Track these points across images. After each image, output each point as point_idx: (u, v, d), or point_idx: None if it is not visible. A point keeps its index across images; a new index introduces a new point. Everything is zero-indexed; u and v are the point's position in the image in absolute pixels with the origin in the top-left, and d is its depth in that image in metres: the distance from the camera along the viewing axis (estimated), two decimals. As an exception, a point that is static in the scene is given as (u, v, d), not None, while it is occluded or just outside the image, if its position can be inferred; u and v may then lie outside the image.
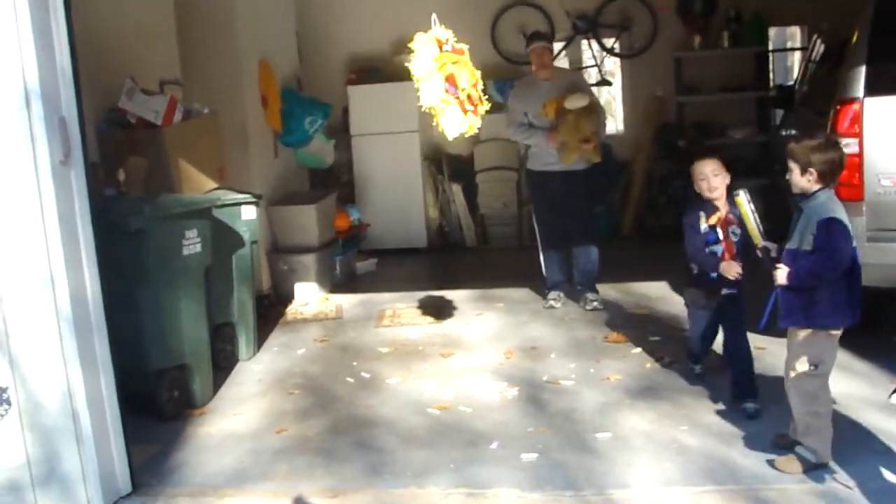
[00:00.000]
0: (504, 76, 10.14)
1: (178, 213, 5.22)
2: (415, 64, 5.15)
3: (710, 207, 4.78)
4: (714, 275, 4.81)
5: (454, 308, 7.36)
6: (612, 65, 11.02)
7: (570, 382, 5.46)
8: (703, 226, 4.79)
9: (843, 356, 5.37)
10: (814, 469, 4.04)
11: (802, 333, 4.03)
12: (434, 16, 5.20)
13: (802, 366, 4.01)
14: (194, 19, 7.31)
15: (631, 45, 10.39)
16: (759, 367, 4.94)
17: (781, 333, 4.18)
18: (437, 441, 4.73)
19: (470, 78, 5.32)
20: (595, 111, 6.94)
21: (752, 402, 4.74)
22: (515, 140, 7.55)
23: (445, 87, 5.07)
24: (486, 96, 5.31)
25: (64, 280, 3.79)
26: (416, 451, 4.61)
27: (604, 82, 10.59)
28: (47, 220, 3.78)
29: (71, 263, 3.84)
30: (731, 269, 4.68)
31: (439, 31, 5.22)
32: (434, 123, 5.16)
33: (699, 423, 4.70)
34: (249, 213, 6.23)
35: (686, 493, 3.99)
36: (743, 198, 4.24)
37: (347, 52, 10.57)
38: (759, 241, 4.19)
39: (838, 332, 4.04)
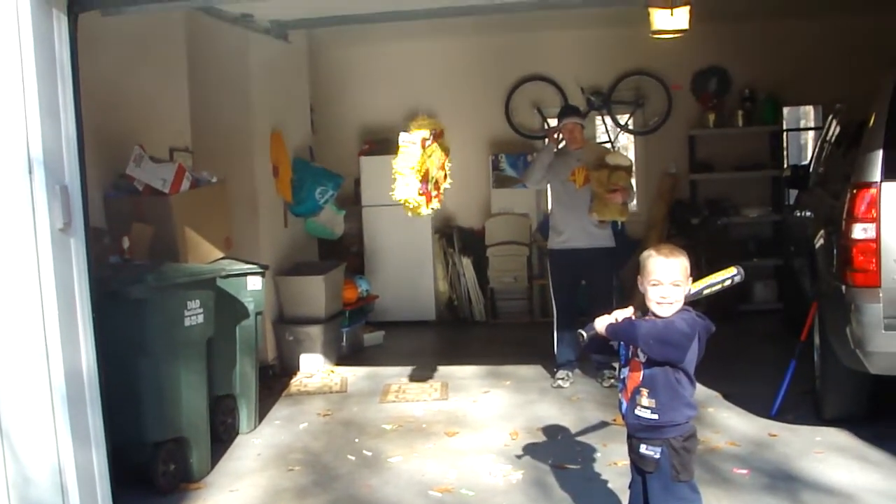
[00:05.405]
0: (517, 151, 10.17)
1: (181, 282, 5.14)
2: (398, 161, 5.85)
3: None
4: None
5: (461, 384, 7.24)
6: (627, 141, 11.02)
7: (577, 467, 5.30)
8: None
9: (858, 445, 5.28)
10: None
11: None
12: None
13: None
14: (208, 88, 7.31)
15: (645, 122, 10.38)
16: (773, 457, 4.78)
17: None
18: (437, 526, 4.59)
19: (439, 160, 5.62)
20: (630, 174, 7.13)
21: None
22: (529, 178, 7.47)
23: (419, 188, 5.79)
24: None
25: (59, 353, 3.71)
26: (415, 537, 4.46)
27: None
28: (44, 290, 3.71)
29: (67, 336, 3.76)
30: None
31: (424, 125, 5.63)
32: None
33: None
34: (255, 283, 6.17)
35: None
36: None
37: (361, 123, 10.56)
38: None
39: None
